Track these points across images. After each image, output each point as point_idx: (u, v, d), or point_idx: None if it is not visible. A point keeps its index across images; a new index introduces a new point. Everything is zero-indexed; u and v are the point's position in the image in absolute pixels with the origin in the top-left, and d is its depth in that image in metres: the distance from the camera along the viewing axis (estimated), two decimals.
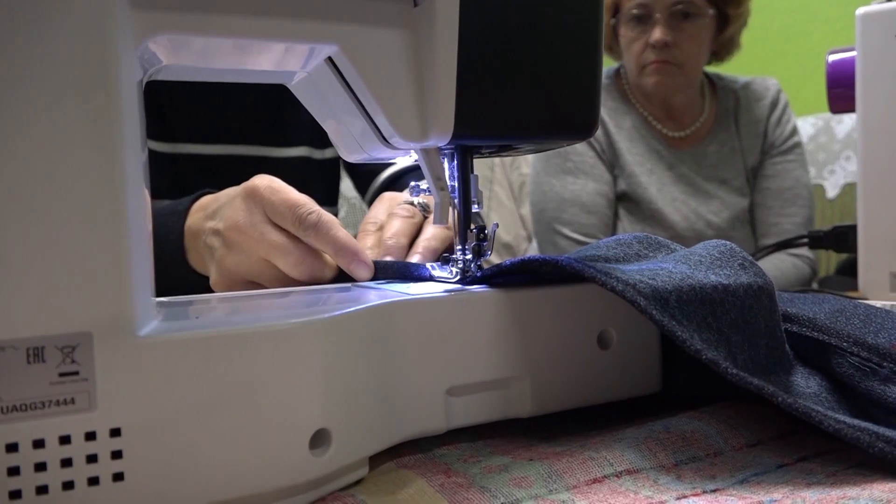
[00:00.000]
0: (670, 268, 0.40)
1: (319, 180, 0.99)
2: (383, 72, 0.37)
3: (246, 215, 0.51)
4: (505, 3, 0.38)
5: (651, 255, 0.45)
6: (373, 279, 0.49)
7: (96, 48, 0.28)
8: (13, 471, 0.27)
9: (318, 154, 0.97)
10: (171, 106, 0.87)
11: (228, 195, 0.55)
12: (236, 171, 0.90)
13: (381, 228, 0.57)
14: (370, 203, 1.01)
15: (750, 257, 0.43)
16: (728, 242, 0.44)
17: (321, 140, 0.97)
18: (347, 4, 0.36)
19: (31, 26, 0.27)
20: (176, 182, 0.87)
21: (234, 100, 0.89)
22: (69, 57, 0.28)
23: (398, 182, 0.95)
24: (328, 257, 0.50)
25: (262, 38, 0.35)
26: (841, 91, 0.82)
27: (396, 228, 0.55)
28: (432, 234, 0.55)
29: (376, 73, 0.37)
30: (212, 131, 0.89)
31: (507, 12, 0.38)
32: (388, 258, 0.54)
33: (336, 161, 1.00)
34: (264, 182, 0.51)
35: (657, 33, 1.25)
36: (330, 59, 0.38)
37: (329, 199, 1.02)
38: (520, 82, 0.39)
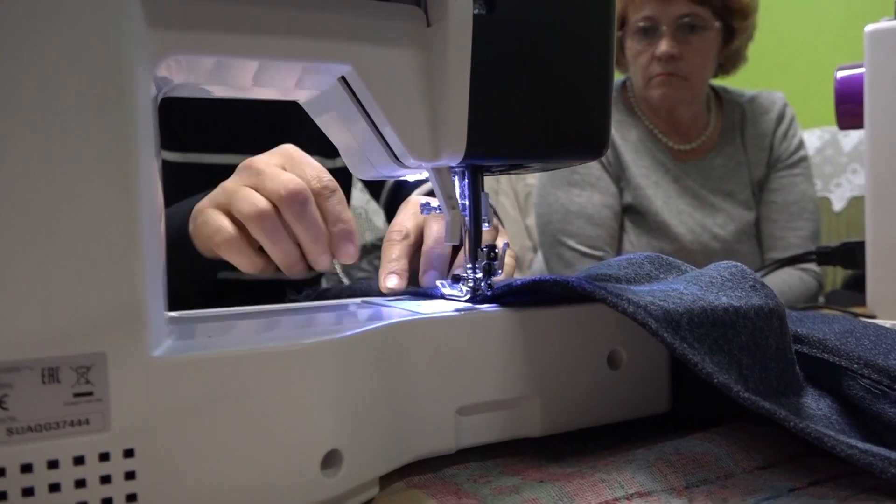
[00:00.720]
0: (681, 289, 0.40)
1: None
2: (396, 91, 0.37)
3: (278, 158, 0.55)
4: (517, 23, 0.38)
5: (662, 276, 0.45)
6: (384, 296, 0.49)
7: (114, 65, 0.29)
8: (27, 491, 0.27)
9: (328, 163, 0.98)
10: (182, 116, 0.88)
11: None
12: None
13: (406, 237, 0.56)
14: (386, 205, 1.01)
15: (761, 279, 0.43)
16: (739, 264, 0.44)
17: (331, 149, 0.97)
18: (361, 24, 0.36)
19: (50, 41, 0.28)
20: (185, 191, 0.87)
21: (245, 109, 0.90)
22: (86, 73, 0.28)
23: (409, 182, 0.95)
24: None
25: (277, 58, 0.35)
26: (849, 107, 0.82)
27: (437, 234, 0.54)
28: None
29: (389, 92, 0.37)
30: (222, 141, 0.90)
31: (519, 33, 0.38)
32: (429, 270, 0.53)
33: (346, 171, 1.01)
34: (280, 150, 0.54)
35: (663, 46, 1.26)
36: (343, 78, 0.38)
37: None
38: (531, 102, 0.39)
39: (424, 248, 0.53)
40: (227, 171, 0.89)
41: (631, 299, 0.37)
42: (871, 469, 0.33)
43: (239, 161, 0.91)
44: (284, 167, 0.54)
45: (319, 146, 0.96)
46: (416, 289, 0.49)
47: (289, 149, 0.56)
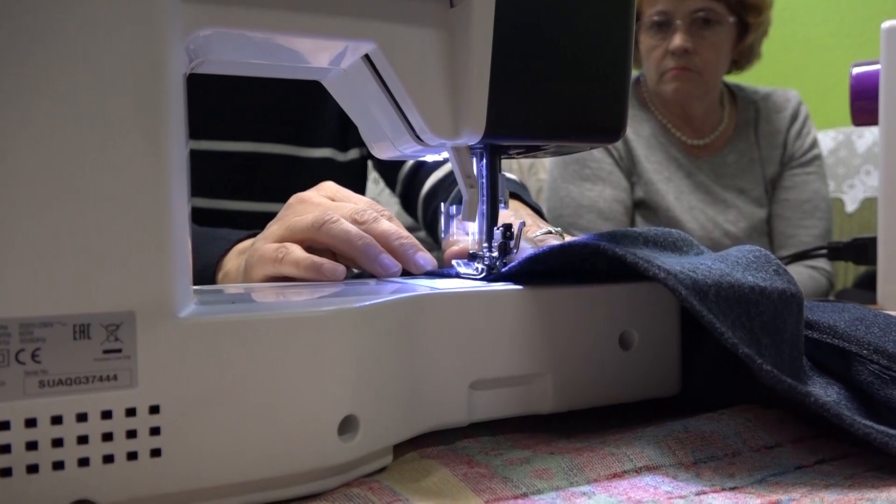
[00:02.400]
0: (709, 264, 0.40)
1: (342, 182, 1.00)
2: (419, 70, 0.38)
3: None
4: (538, 7, 0.39)
5: (686, 249, 0.45)
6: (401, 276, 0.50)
7: (148, 38, 0.29)
8: (57, 442, 0.28)
9: (340, 157, 0.99)
10: (199, 102, 0.89)
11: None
12: (263, 169, 0.92)
13: None
14: (402, 194, 1.01)
15: (783, 265, 0.43)
16: (761, 248, 0.44)
17: (343, 142, 0.98)
18: (386, 3, 0.37)
19: (87, 16, 0.28)
20: (203, 178, 0.89)
21: (260, 97, 0.91)
22: (122, 46, 0.29)
23: (423, 168, 0.95)
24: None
25: (304, 34, 0.36)
26: (864, 104, 0.83)
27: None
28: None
29: (412, 71, 0.38)
30: (238, 128, 0.91)
31: (541, 16, 0.39)
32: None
33: (358, 163, 1.02)
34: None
35: (677, 40, 1.26)
36: (366, 56, 0.39)
37: None
38: (551, 84, 0.40)
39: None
40: (242, 158, 0.91)
41: (661, 266, 0.37)
42: (886, 449, 0.33)
43: (255, 149, 0.92)
44: (333, 199, 0.55)
45: (331, 138, 0.97)
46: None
47: (331, 185, 0.58)
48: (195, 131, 0.89)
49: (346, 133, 0.97)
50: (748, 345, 0.37)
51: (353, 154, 1.00)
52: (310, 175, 0.94)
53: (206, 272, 0.60)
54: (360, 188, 1.04)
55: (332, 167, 0.97)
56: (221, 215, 0.91)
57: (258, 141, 0.92)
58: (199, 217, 0.87)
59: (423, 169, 0.94)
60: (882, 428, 0.35)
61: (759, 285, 0.39)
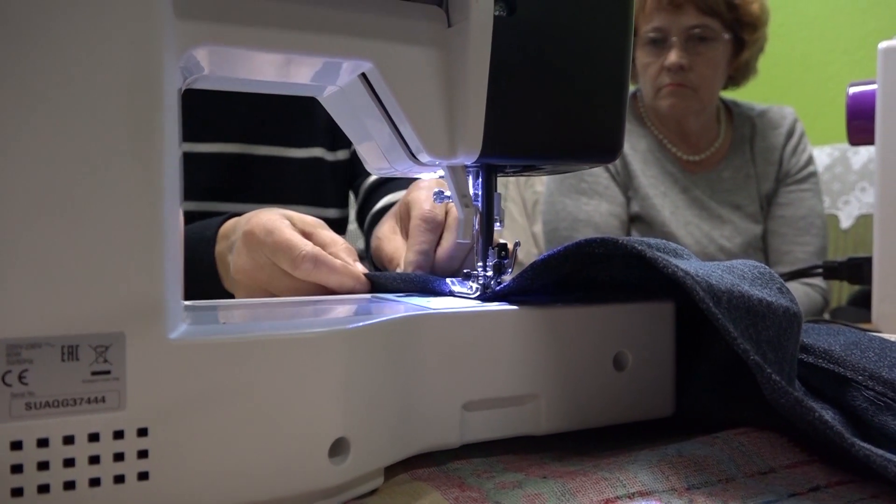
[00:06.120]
0: (719, 272, 0.40)
1: (331, 182, 1.00)
2: (415, 89, 0.38)
3: (249, 260, 0.55)
4: (536, 26, 0.39)
5: (687, 258, 0.45)
6: (394, 292, 0.50)
7: (143, 54, 0.29)
8: (42, 465, 0.27)
9: (330, 156, 0.98)
10: (186, 105, 0.88)
11: (243, 224, 0.57)
12: (251, 170, 0.92)
13: (439, 226, 0.57)
14: (359, 207, 1.01)
15: (784, 284, 0.43)
16: (764, 265, 0.44)
17: (333, 142, 0.98)
18: (384, 23, 0.37)
19: (82, 35, 0.28)
20: (191, 181, 0.88)
21: (249, 99, 0.90)
22: (117, 62, 0.29)
23: (385, 185, 0.96)
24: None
25: (300, 52, 0.36)
26: (860, 123, 0.83)
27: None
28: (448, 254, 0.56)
29: (408, 90, 0.38)
30: (226, 130, 0.90)
31: (539, 35, 0.39)
32: (449, 259, 0.55)
33: (348, 163, 1.01)
34: (259, 226, 0.54)
35: (672, 56, 1.26)
36: (363, 74, 0.39)
37: (340, 201, 1.03)
38: (548, 105, 0.40)
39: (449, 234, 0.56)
40: (231, 159, 0.90)
41: (680, 265, 0.37)
42: (885, 473, 0.33)
43: (244, 150, 0.92)
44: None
45: (321, 138, 0.97)
46: (424, 277, 0.49)
47: (256, 237, 0.56)
48: (182, 134, 0.88)
49: (335, 132, 0.97)
50: (757, 355, 0.37)
51: (342, 154, 1.00)
52: (298, 176, 0.94)
53: (199, 275, 0.61)
54: (346, 189, 1.04)
55: (322, 166, 0.97)
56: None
57: (246, 142, 0.92)
58: (187, 221, 0.87)
59: (383, 187, 0.95)
60: (881, 452, 0.35)
61: (766, 300, 0.39)
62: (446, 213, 0.58)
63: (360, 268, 0.53)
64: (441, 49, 0.38)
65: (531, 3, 0.38)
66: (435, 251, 0.56)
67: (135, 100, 0.29)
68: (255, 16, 0.34)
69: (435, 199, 0.48)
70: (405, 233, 0.60)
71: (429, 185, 0.60)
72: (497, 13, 0.37)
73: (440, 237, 0.57)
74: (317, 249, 0.52)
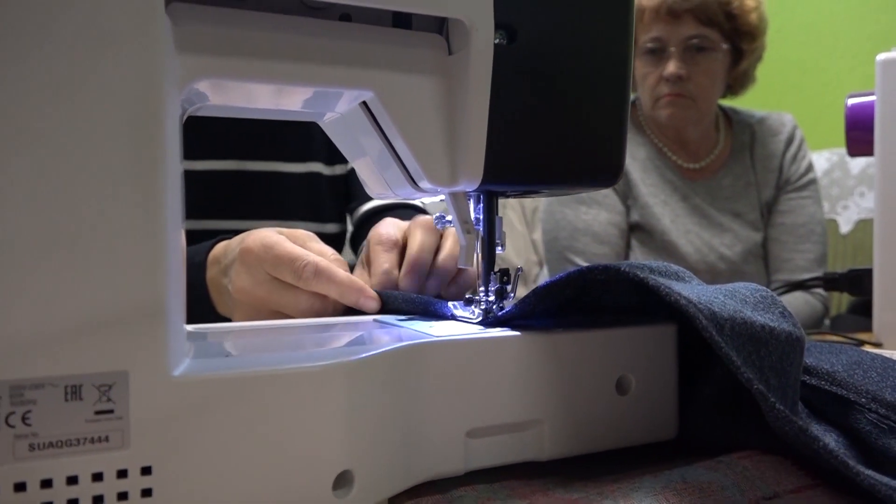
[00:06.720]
0: (721, 298, 0.40)
1: (329, 196, 1.00)
2: (416, 118, 0.38)
3: (248, 277, 0.55)
4: (537, 54, 0.39)
5: (688, 280, 0.44)
6: (395, 313, 0.50)
7: (144, 88, 0.29)
8: None
9: (328, 170, 0.98)
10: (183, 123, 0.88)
11: (236, 247, 0.57)
12: (248, 187, 0.92)
13: (396, 245, 0.59)
14: (356, 225, 1.02)
15: (787, 308, 0.42)
16: (766, 289, 0.44)
17: (331, 157, 0.98)
18: (384, 52, 0.37)
19: (84, 68, 0.28)
20: (188, 199, 0.88)
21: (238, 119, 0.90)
22: (120, 95, 0.29)
23: (380, 214, 0.96)
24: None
25: (301, 84, 0.36)
26: (859, 134, 0.83)
27: (420, 241, 0.57)
28: (449, 253, 0.57)
29: (409, 118, 0.38)
30: (221, 147, 0.90)
31: (539, 63, 0.39)
32: (411, 273, 0.56)
33: (345, 178, 1.01)
34: (256, 242, 0.54)
35: (671, 67, 1.26)
36: (364, 103, 0.39)
37: (338, 216, 1.03)
38: (549, 132, 0.40)
39: (409, 254, 0.57)
40: (227, 177, 0.90)
41: (682, 293, 0.37)
42: (889, 502, 0.33)
43: (240, 167, 0.92)
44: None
45: (318, 152, 0.97)
46: (427, 299, 0.49)
47: (254, 254, 0.57)
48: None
49: (332, 146, 0.97)
50: (760, 383, 0.37)
51: (339, 169, 0.99)
52: (295, 191, 0.94)
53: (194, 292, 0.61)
54: (344, 203, 1.04)
55: (319, 181, 0.97)
56: (208, 236, 0.90)
57: (242, 158, 0.91)
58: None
59: (377, 217, 0.95)
60: (886, 480, 0.35)
61: (769, 325, 0.39)
62: (404, 235, 0.60)
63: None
64: (442, 77, 0.38)
65: (531, 32, 0.38)
66: (399, 269, 0.57)
67: (136, 135, 0.29)
68: (256, 49, 0.34)
69: (436, 224, 0.48)
70: (369, 265, 0.61)
71: (424, 221, 0.61)
72: (497, 41, 0.37)
73: (402, 257, 0.58)
74: (319, 259, 0.52)
